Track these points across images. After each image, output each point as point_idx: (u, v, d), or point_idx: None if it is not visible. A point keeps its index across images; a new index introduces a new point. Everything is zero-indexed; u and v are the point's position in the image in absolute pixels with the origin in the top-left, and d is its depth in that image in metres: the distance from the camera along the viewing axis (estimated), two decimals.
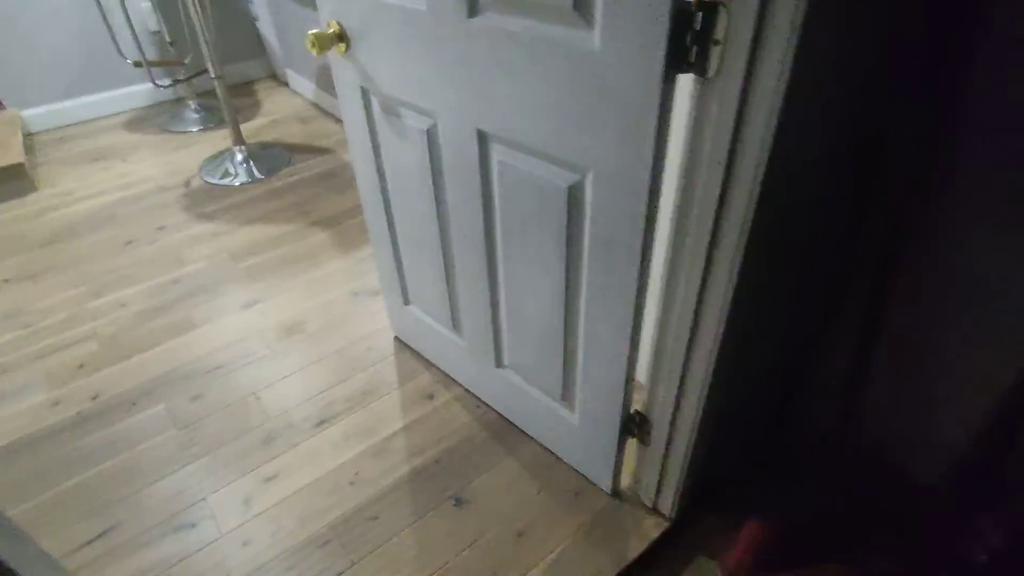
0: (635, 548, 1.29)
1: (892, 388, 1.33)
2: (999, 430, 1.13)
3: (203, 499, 1.42)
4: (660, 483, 1.28)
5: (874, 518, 1.31)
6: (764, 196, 0.82)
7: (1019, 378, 1.03)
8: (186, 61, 3.46)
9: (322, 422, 1.60)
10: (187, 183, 2.78)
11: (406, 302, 1.67)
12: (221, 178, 2.77)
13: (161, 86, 3.48)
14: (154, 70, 3.49)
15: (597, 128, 0.87)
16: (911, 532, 1.31)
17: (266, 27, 3.67)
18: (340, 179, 2.78)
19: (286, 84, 3.83)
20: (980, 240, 0.99)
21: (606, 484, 1.36)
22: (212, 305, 2.03)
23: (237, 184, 2.74)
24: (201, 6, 2.50)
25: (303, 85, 3.61)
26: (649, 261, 0.96)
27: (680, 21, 0.73)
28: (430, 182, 1.25)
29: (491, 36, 0.93)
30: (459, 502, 1.39)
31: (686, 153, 0.84)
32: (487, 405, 1.59)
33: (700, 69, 0.76)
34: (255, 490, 1.44)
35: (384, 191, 1.44)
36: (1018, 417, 1.06)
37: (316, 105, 3.53)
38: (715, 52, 0.74)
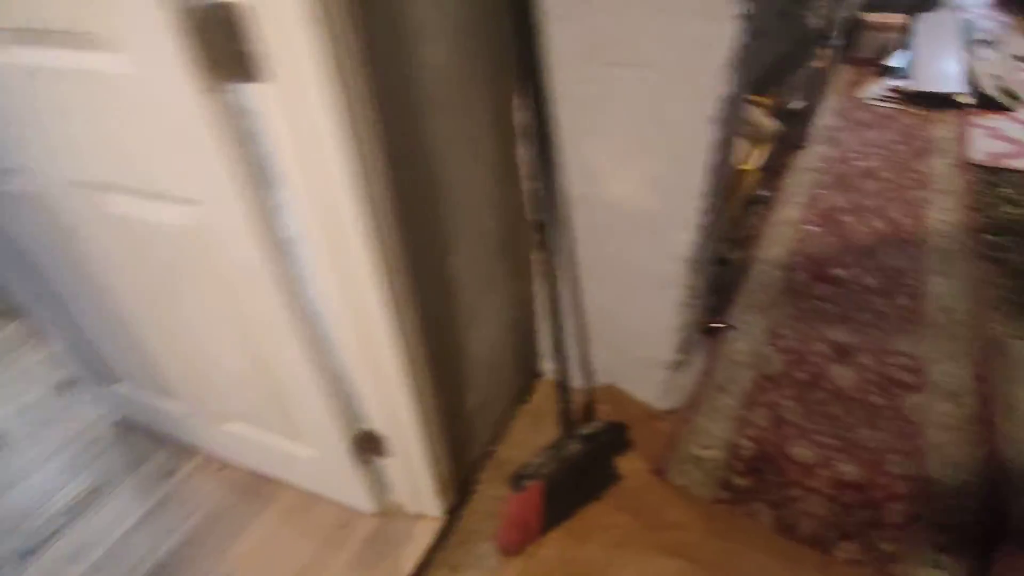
0: (410, 560, 1.24)
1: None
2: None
3: None
4: (417, 488, 1.25)
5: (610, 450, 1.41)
6: (395, 187, 0.79)
7: None
8: None
9: (38, 546, 1.34)
10: None
11: (114, 380, 1.45)
12: None
13: None
14: None
15: (179, 156, 0.78)
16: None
17: None
18: None
19: None
20: None
21: (368, 507, 1.30)
22: None
23: None
24: None
25: None
26: (294, 282, 0.90)
27: (200, 27, 0.66)
28: (59, 248, 1.07)
29: (21, 75, 0.79)
30: None
31: (288, 162, 0.78)
32: (231, 464, 1.44)
33: (250, 75, 0.70)
34: None
35: (27, 268, 1.21)
36: None
37: None
38: (263, 54, 0.68)
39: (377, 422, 1.13)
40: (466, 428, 1.35)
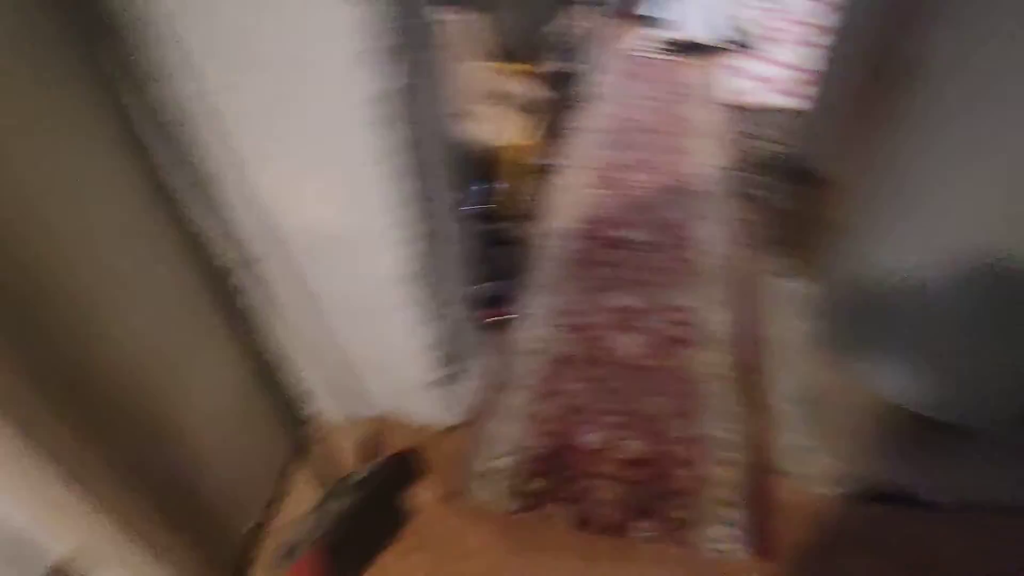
0: None
1: None
2: None
3: None
4: None
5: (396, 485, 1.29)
6: None
7: None
8: None
9: None
10: None
11: None
12: None
13: None
14: None
15: None
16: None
17: None
18: None
19: None
20: None
21: None
22: None
23: None
24: None
25: None
26: None
27: None
28: None
29: None
30: None
31: None
32: None
33: None
34: None
35: None
36: None
37: None
38: None
39: (63, 552, 0.91)
40: (218, 510, 1.15)
